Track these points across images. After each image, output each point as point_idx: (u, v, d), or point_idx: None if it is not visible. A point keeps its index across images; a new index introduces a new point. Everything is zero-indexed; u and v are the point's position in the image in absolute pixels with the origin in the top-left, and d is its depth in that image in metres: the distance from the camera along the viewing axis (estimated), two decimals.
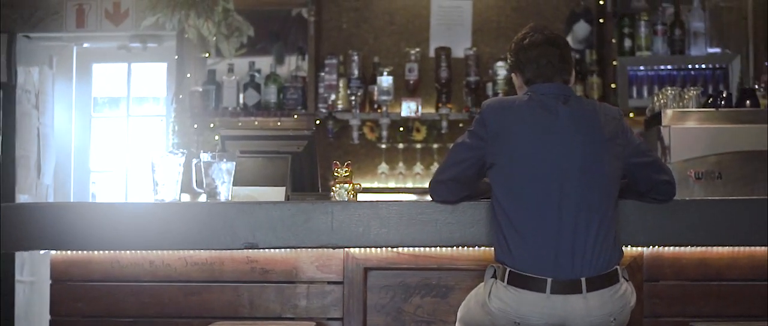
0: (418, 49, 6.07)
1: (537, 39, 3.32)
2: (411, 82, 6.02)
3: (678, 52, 6.09)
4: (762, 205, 3.32)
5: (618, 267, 3.13)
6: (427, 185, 5.89)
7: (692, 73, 6.08)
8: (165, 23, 5.81)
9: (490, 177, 3.22)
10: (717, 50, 6.13)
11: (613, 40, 6.04)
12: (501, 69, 6.00)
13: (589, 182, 3.12)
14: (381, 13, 6.40)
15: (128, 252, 3.54)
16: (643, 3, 6.01)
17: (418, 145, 6.15)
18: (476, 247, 3.46)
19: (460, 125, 6.17)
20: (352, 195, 3.85)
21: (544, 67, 3.29)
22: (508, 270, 3.10)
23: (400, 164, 6.15)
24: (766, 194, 4.14)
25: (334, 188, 3.86)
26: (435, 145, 6.16)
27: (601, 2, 6.03)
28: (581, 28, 6.22)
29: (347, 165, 3.92)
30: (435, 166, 6.17)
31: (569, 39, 6.25)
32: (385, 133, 5.98)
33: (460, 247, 3.47)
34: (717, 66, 6.04)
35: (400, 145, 6.14)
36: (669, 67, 6.07)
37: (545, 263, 3.07)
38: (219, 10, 5.80)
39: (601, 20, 6.01)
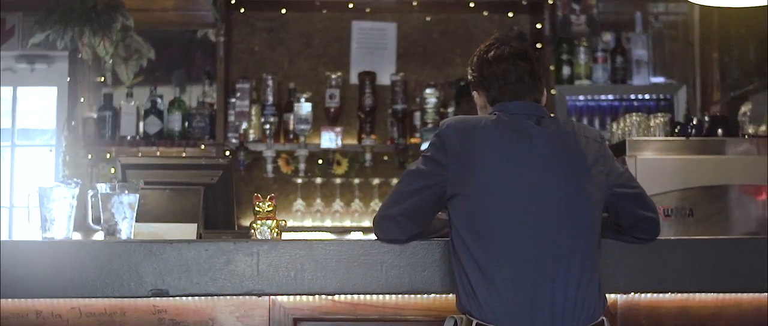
0: (339, 74, 5.60)
1: (504, 52, 2.92)
2: (332, 109, 5.54)
3: (620, 81, 5.75)
4: (760, 246, 2.92)
5: (604, 318, 2.69)
6: (346, 223, 5.50)
7: (635, 103, 5.74)
8: (56, 41, 5.23)
9: (450, 210, 2.76)
10: (661, 79, 5.79)
11: (552, 68, 5.65)
12: (431, 97, 5.56)
13: (570, 217, 2.69)
14: (297, 34, 5.92)
15: (10, 300, 2.97)
16: (584, 27, 5.65)
17: (338, 180, 5.67)
18: (427, 295, 3.00)
19: (385, 158, 5.71)
20: (275, 234, 3.37)
21: (513, 83, 2.88)
22: (474, 322, 2.65)
23: (318, 200, 5.66)
24: (739, 234, 3.79)
25: (254, 225, 3.38)
26: (356, 180, 5.69)
27: (539, 26, 5.64)
28: None
29: (270, 199, 3.45)
30: (356, 204, 5.69)
31: None
32: (302, 166, 5.48)
33: (408, 295, 3.00)
34: (661, 96, 5.71)
35: (319, 180, 5.65)
36: (611, 96, 5.71)
37: (520, 314, 2.63)
38: (117, 27, 5.25)
39: (538, 45, 5.61)
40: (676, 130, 3.92)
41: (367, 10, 5.75)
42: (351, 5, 5.67)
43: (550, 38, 5.65)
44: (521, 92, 2.89)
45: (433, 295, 3.00)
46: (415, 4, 5.70)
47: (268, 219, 3.41)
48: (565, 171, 2.72)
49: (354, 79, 5.70)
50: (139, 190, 3.30)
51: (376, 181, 5.68)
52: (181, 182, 3.66)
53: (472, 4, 5.70)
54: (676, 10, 5.86)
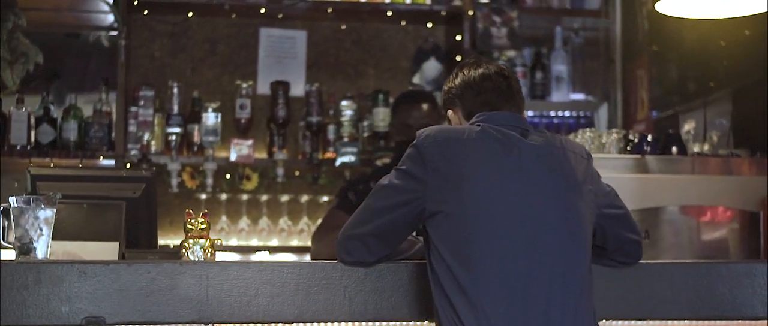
0: (250, 83, 5.31)
1: (490, 70, 2.73)
2: (242, 121, 5.24)
3: (539, 97, 5.62)
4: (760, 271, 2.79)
5: None
6: (253, 243, 5.21)
7: (555, 121, 5.62)
8: None
9: (430, 230, 2.54)
10: (581, 96, 5.69)
11: None
12: (347, 109, 5.32)
13: (564, 239, 2.51)
14: (201, 40, 5.62)
15: None
16: (505, 41, 5.51)
17: (245, 196, 5.37)
18: (395, 323, 2.77)
19: (296, 173, 5.44)
20: (208, 254, 3.09)
21: (491, 92, 2.68)
22: None
23: (223, 218, 5.35)
24: (696, 258, 3.67)
25: (186, 244, 3.09)
26: (264, 197, 5.41)
27: (458, 38, 5.47)
28: (431, 67, 5.66)
29: (203, 216, 3.17)
30: (264, 222, 5.40)
31: (417, 79, 5.67)
32: (210, 181, 5.17)
33: (374, 322, 2.77)
34: (582, 113, 5.60)
35: (223, 196, 5.34)
36: (531, 113, 5.58)
37: None
38: (8, 26, 4.85)
39: (458, 57, 5.44)
40: (628, 148, 3.78)
41: (280, 16, 5.48)
42: (263, 10, 5.39)
43: (470, 51, 5.48)
44: (500, 103, 2.71)
45: (402, 323, 2.77)
46: (330, 11, 5.46)
47: (201, 237, 3.14)
48: (556, 189, 2.54)
49: (262, 89, 5.41)
50: (56, 204, 2.99)
51: (285, 198, 5.41)
52: (101, 196, 3.35)
53: (389, 13, 5.49)
54: (596, 25, 5.77)
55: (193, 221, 3.15)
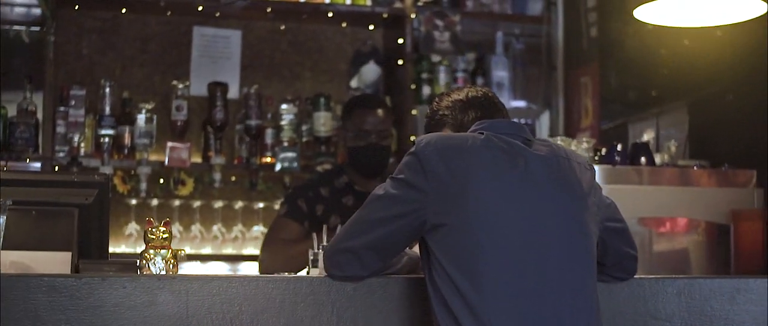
0: (187, 83, 5.10)
1: (478, 93, 2.69)
2: (179, 123, 5.03)
3: None
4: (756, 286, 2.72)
5: None
6: (185, 251, 4.99)
7: None
8: None
9: (432, 244, 2.41)
10: (522, 103, 5.62)
11: (413, 87, 5.37)
12: (288, 113, 5.15)
13: (573, 254, 2.41)
14: (131, 38, 5.39)
15: None
16: (448, 45, 5.41)
17: (177, 202, 5.16)
18: None
19: (233, 179, 5.25)
20: (171, 266, 2.93)
21: (478, 107, 2.64)
22: None
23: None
24: (665, 272, 3.61)
25: (146, 255, 2.92)
26: (197, 203, 5.20)
27: (400, 41, 5.34)
28: (370, 71, 5.53)
29: (165, 225, 3.00)
30: (196, 228, 5.19)
31: (355, 82, 5.54)
32: (143, 185, 4.94)
33: None
34: (523, 121, 5.52)
35: (155, 201, 5.11)
36: None
37: None
38: None
39: (400, 61, 5.32)
40: (596, 158, 3.70)
41: (217, 14, 5.28)
42: (200, 8, 5.18)
43: (411, 55, 5.36)
44: (492, 112, 2.62)
45: None
46: (269, 10, 5.29)
47: (162, 247, 2.97)
48: (563, 201, 2.44)
49: (196, 90, 5.20)
50: (6, 211, 2.80)
51: (219, 204, 5.21)
52: (51, 202, 3.13)
53: (330, 14, 5.34)
54: (538, 32, 5.70)
55: (154, 230, 2.98)
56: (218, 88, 5.09)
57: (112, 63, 5.33)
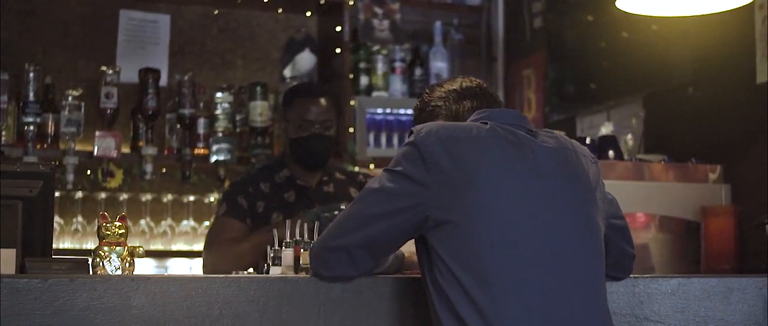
0: (118, 68, 4.82)
1: (473, 83, 2.56)
2: (108, 111, 4.75)
3: (418, 94, 5.36)
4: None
5: None
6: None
7: None
8: None
9: (434, 242, 2.25)
10: None
11: (351, 76, 5.19)
12: (223, 102, 4.93)
13: (585, 253, 2.28)
14: (52, 21, 5.10)
15: None
16: (387, 34, 5.25)
17: (103, 194, 4.89)
18: None
19: (164, 170, 4.99)
20: (127, 264, 2.72)
21: (473, 96, 2.50)
22: None
23: (79, 218, 4.85)
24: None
25: (101, 252, 2.72)
26: (124, 196, 4.93)
27: (338, 29, 5.16)
28: (305, 60, 5.33)
29: (121, 220, 2.80)
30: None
31: (288, 71, 5.33)
32: (70, 177, 4.66)
33: None
34: None
35: (79, 194, 4.83)
36: (410, 111, 5.32)
37: None
38: None
39: (337, 50, 5.13)
40: None
41: None
42: None
43: (349, 44, 5.18)
44: (491, 102, 2.48)
45: None
46: None
47: (117, 244, 2.77)
48: (573, 196, 2.30)
49: (127, 77, 4.93)
50: None
51: (147, 197, 4.96)
52: None
53: (266, 0, 5.12)
54: (478, 22, 5.57)
55: (109, 225, 2.78)
56: (150, 74, 4.84)
57: (32, 47, 5.03)
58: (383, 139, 5.28)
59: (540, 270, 2.19)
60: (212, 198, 5.05)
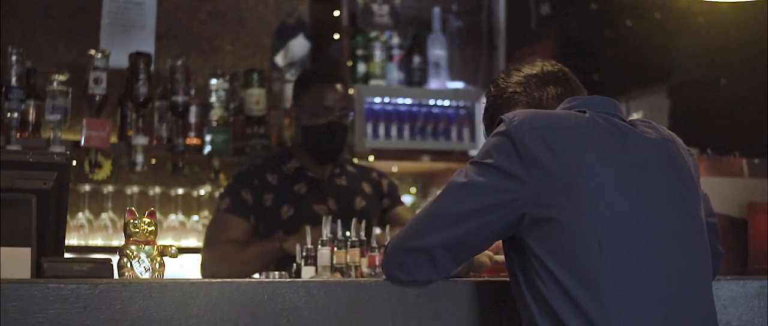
0: (107, 52, 4.52)
1: (549, 64, 2.35)
2: (97, 97, 4.45)
3: (417, 83, 5.15)
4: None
5: None
6: (97, 242, 4.47)
7: (434, 110, 5.16)
8: None
9: (532, 241, 2.05)
10: (460, 84, 5.26)
11: (350, 64, 4.96)
12: (219, 89, 4.65)
13: (696, 253, 2.09)
14: (32, 1, 4.78)
15: None
16: (387, 19, 5.02)
17: (87, 187, 4.60)
18: None
19: (153, 162, 4.71)
20: (157, 264, 2.50)
21: (558, 82, 2.28)
22: None
23: None
24: None
25: (128, 252, 2.50)
26: (109, 188, 4.65)
27: (336, 13, 4.91)
28: (299, 46, 5.07)
29: (150, 215, 2.57)
30: (105, 217, 4.63)
31: (280, 58, 5.08)
32: None
33: None
34: (461, 103, 5.18)
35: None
36: (409, 101, 5.10)
37: None
38: None
39: (336, 35, 4.89)
40: None
41: None
42: None
43: (347, 29, 4.94)
44: (578, 91, 2.27)
45: None
46: None
47: (147, 243, 2.54)
48: (679, 192, 2.10)
49: (116, 62, 4.63)
50: None
51: (134, 190, 4.67)
52: (6, 188, 2.61)
53: None
54: (478, 8, 5.35)
55: (137, 222, 2.55)
56: (141, 59, 4.54)
57: (12, 28, 4.72)
58: (381, 130, 5.06)
59: (653, 275, 1.98)
60: (202, 191, 4.79)
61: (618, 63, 4.46)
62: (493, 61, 5.33)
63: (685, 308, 2.00)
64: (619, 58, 4.47)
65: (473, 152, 5.23)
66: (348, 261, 2.89)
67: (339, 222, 3.02)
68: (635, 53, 4.33)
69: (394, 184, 4.05)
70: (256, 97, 4.69)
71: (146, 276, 2.46)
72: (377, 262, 2.85)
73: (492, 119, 2.32)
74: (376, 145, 4.98)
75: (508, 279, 2.14)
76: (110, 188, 4.66)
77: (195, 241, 4.71)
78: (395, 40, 5.15)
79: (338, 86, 3.82)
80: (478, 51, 5.38)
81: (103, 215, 4.66)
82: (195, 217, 4.79)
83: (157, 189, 4.73)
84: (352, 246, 2.91)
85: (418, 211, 2.16)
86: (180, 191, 4.78)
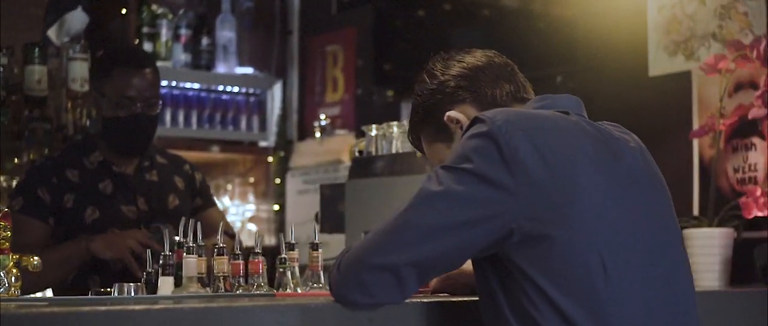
0: None
1: (488, 54, 2.07)
2: None
3: (204, 67, 4.80)
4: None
5: None
6: None
7: (223, 97, 4.82)
8: None
9: (522, 260, 1.83)
10: (250, 70, 4.94)
11: (136, 42, 4.53)
12: None
13: (687, 273, 1.92)
14: None
15: None
16: None
17: None
18: None
19: None
20: (13, 278, 2.17)
21: (509, 76, 2.07)
22: None
23: None
24: None
25: None
26: None
27: None
28: (77, 19, 4.55)
29: (4, 217, 2.19)
30: None
31: (53, 32, 4.55)
32: None
33: None
34: (251, 90, 4.86)
35: None
36: (197, 86, 4.73)
37: None
38: None
39: (123, 11, 4.44)
40: None
41: None
42: None
43: (135, 3, 4.51)
44: (530, 91, 2.05)
45: None
46: None
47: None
48: (664, 205, 1.96)
49: None
50: None
51: None
52: None
53: None
54: None
55: None
56: None
57: None
58: (167, 116, 4.66)
59: (653, 296, 1.81)
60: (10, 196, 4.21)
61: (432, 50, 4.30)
62: (287, 46, 5.02)
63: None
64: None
65: (264, 143, 4.94)
66: (216, 271, 2.51)
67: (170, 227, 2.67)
68: (475, 44, 4.18)
69: (206, 181, 3.68)
70: (37, 75, 4.15)
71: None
72: (240, 270, 2.50)
73: (427, 118, 2.06)
74: (162, 132, 4.56)
75: (474, 299, 1.89)
76: None
77: None
78: (183, 20, 4.76)
79: (147, 71, 3.36)
80: (270, 35, 5.06)
81: None
82: None
83: None
84: (219, 254, 2.53)
85: (379, 224, 1.85)
86: None
